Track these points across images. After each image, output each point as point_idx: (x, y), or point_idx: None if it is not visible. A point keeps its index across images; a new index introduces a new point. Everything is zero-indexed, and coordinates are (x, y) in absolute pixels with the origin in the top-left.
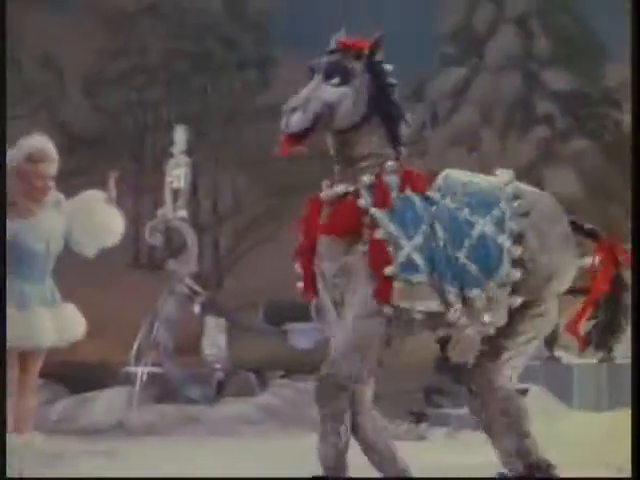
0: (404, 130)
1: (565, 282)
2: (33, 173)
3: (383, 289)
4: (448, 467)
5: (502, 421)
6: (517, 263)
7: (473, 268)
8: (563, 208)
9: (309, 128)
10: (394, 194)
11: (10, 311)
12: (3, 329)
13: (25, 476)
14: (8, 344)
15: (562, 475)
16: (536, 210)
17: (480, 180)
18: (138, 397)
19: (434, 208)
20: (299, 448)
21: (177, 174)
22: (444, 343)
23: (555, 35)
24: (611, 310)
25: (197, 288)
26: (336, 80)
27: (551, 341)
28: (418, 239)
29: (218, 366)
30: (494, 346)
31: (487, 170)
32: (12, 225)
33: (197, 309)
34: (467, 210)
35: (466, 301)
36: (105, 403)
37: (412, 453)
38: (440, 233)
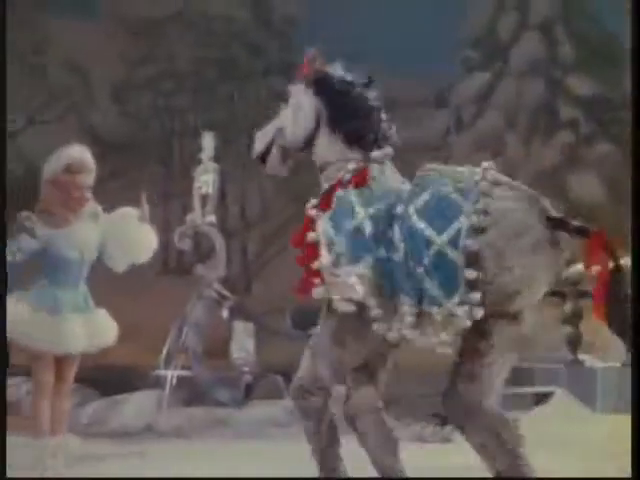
0: (374, 128)
1: (537, 291)
2: (71, 183)
3: (304, 282)
4: (473, 468)
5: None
6: (473, 285)
7: (432, 286)
8: (538, 213)
9: (265, 152)
10: (338, 193)
11: (42, 316)
12: (3, 329)
13: (59, 476)
14: (42, 348)
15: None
16: (498, 226)
17: (455, 184)
18: (167, 400)
19: (399, 208)
20: None
21: (205, 180)
22: None
23: (579, 41)
24: (619, 307)
25: (225, 293)
26: (283, 106)
27: (575, 344)
28: (347, 234)
29: (246, 369)
30: (468, 370)
31: (512, 176)
32: (46, 232)
33: (225, 313)
34: (424, 224)
35: (423, 315)
36: (135, 406)
37: (438, 455)
38: (399, 242)
